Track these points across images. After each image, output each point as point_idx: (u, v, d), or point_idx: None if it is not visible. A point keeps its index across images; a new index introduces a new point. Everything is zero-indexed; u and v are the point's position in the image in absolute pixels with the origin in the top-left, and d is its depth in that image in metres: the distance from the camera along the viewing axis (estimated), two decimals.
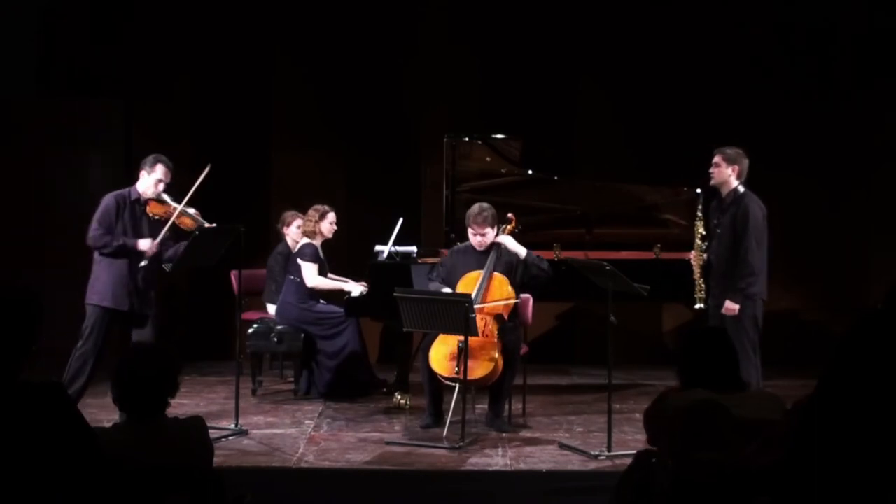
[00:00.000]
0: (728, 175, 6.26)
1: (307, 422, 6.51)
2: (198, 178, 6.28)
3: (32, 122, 8.82)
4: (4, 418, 2.64)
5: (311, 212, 7.38)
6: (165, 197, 6.24)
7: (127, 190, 6.25)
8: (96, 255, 6.20)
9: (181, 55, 8.87)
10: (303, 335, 7.26)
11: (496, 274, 6.31)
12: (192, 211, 6.29)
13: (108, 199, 6.18)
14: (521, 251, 6.34)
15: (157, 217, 6.23)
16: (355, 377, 7.29)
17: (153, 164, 6.20)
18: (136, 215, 6.22)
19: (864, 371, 2.63)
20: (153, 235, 6.19)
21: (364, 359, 7.45)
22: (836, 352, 2.69)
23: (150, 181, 6.20)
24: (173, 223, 6.20)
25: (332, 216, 7.37)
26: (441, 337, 6.17)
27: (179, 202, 6.22)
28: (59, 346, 6.14)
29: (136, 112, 8.91)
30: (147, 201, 6.22)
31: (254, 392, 7.30)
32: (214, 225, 6.31)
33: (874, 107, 8.69)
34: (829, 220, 8.74)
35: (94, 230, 6.13)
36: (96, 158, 8.82)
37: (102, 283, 6.14)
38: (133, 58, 8.84)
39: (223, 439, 5.91)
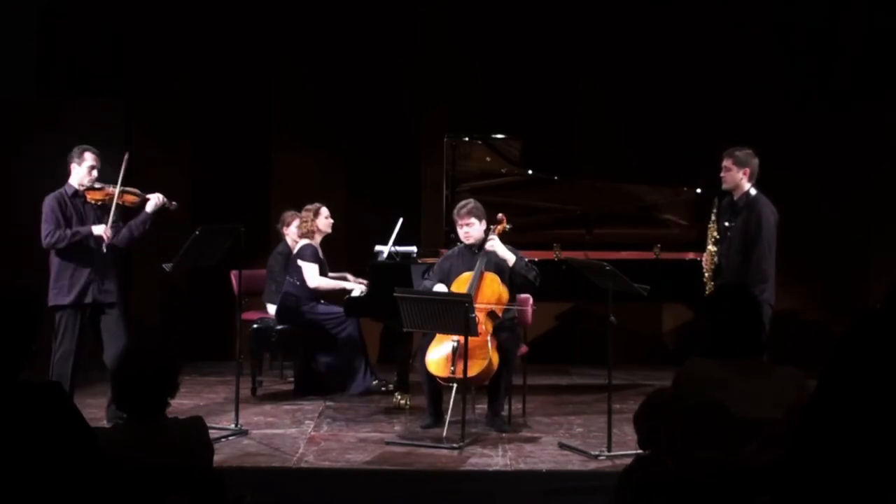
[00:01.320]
0: (739, 178, 6.21)
1: (307, 422, 6.51)
2: (121, 167, 6.26)
3: (32, 122, 8.81)
4: (4, 418, 2.64)
5: (303, 213, 7.40)
6: (99, 184, 6.26)
7: (62, 188, 6.25)
8: (51, 256, 6.20)
9: (181, 55, 8.87)
10: (303, 335, 7.26)
11: (487, 273, 6.31)
12: (130, 188, 6.33)
13: (48, 200, 6.18)
14: (510, 258, 6.33)
15: (99, 203, 6.26)
16: (355, 377, 7.29)
17: (81, 154, 6.24)
18: (79, 208, 6.23)
19: (864, 371, 2.63)
20: (102, 222, 6.20)
21: (364, 359, 7.45)
22: (836, 352, 2.69)
23: (82, 171, 6.22)
24: (117, 204, 6.22)
25: (325, 211, 7.39)
26: (436, 338, 6.17)
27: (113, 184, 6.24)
28: None
29: (136, 112, 8.91)
30: (85, 191, 6.23)
31: (254, 392, 7.30)
32: (158, 196, 6.32)
33: (874, 107, 8.68)
34: (829, 220, 8.73)
35: (44, 231, 6.14)
36: None
37: (62, 282, 6.15)
38: (133, 58, 8.85)
39: (223, 439, 5.91)
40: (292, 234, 7.71)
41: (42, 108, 8.83)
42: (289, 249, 7.68)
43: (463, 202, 6.48)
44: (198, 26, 8.86)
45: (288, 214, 7.81)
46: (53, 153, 8.71)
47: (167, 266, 6.23)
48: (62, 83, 8.93)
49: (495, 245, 6.32)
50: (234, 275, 7.26)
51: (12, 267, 8.07)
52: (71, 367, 6.09)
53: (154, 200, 6.31)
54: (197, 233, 6.16)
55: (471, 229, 6.38)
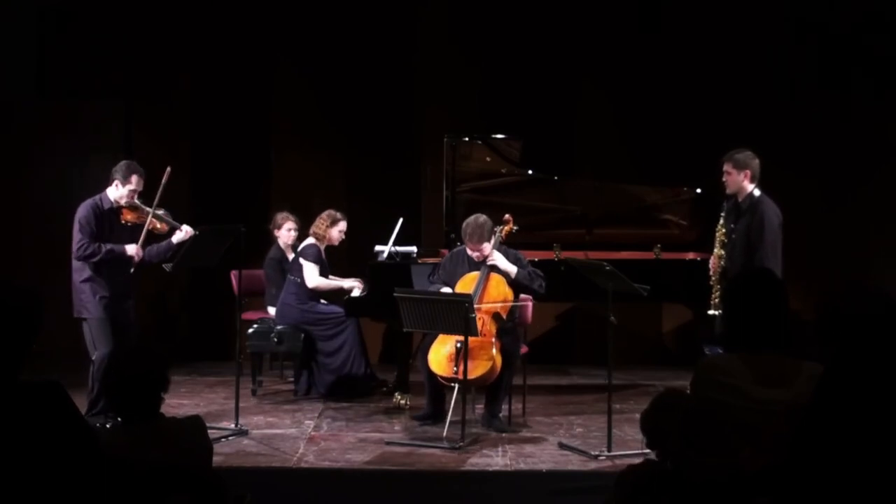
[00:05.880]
0: (741, 181, 6.19)
1: (307, 422, 6.51)
2: (161, 180, 6.23)
3: (33, 123, 8.82)
4: (4, 418, 2.64)
5: (324, 215, 7.38)
6: (137, 202, 6.25)
7: (98, 198, 6.22)
8: (77, 270, 6.17)
9: (181, 55, 8.87)
10: (303, 335, 7.26)
11: (493, 274, 6.31)
12: (162, 212, 6.32)
13: (85, 211, 6.16)
14: (512, 271, 6.32)
15: (129, 223, 6.25)
16: (355, 377, 7.29)
17: (127, 175, 6.18)
18: (113, 223, 6.22)
19: (863, 374, 2.63)
20: (132, 241, 6.20)
21: (364, 359, 7.45)
22: (836, 354, 2.69)
23: (124, 191, 6.19)
24: (148, 230, 6.22)
25: (342, 225, 7.39)
26: (440, 337, 6.17)
27: (149, 206, 6.22)
28: (59, 346, 6.14)
29: (136, 112, 8.92)
30: (120, 209, 6.22)
31: (254, 392, 7.30)
32: (187, 229, 6.31)
33: (874, 107, 8.68)
34: (829, 220, 8.72)
35: (79, 241, 6.11)
36: (96, 159, 8.80)
37: (91, 298, 6.12)
38: (133, 58, 8.84)
39: (223, 439, 5.91)
40: (283, 237, 7.70)
41: (42, 109, 8.85)
42: (281, 253, 7.67)
43: (473, 225, 6.30)
44: (198, 26, 8.86)
45: (279, 216, 7.77)
46: (54, 154, 8.77)
47: (167, 266, 6.23)
48: (62, 84, 8.93)
49: (497, 260, 6.31)
50: (234, 275, 7.26)
51: (13, 267, 8.09)
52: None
53: (181, 234, 6.31)
54: (197, 233, 6.15)
55: (482, 253, 6.35)
